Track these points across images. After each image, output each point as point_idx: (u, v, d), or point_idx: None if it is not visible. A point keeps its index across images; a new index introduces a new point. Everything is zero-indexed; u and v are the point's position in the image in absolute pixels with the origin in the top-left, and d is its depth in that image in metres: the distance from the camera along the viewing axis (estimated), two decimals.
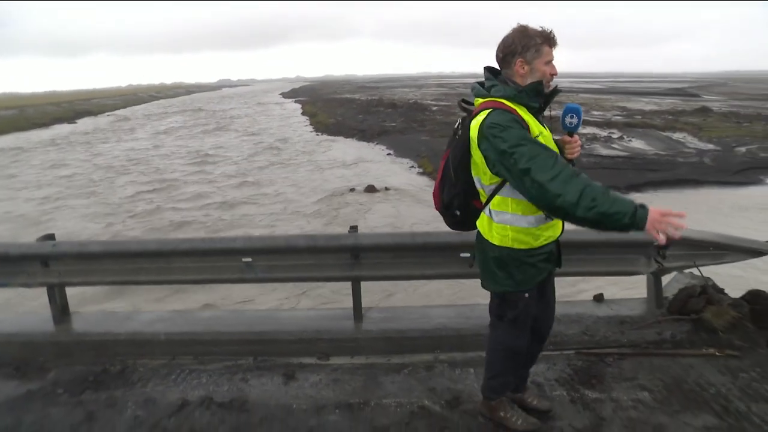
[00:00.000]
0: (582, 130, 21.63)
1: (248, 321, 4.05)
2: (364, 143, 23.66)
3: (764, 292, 5.03)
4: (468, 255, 3.62)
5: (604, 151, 18.10)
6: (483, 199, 2.49)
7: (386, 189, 14.38)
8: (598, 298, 4.08)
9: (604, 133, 22.39)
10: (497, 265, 2.49)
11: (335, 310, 4.35)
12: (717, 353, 3.58)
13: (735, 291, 4.87)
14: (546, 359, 3.49)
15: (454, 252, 3.61)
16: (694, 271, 4.73)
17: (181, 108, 60.84)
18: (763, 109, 34.74)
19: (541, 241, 2.47)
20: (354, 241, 3.66)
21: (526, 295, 2.54)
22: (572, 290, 6.14)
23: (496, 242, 2.45)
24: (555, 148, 2.39)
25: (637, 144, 20.30)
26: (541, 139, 2.31)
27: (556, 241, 2.59)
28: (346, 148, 22.77)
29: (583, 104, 38.18)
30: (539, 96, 2.36)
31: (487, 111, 2.30)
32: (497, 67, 2.44)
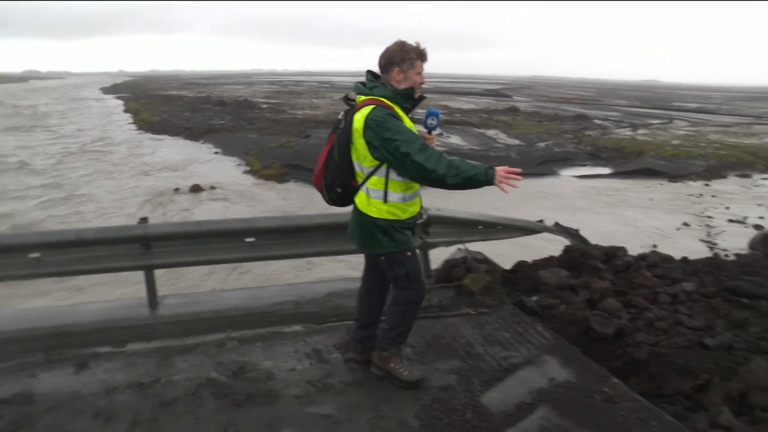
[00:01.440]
0: None
1: (39, 317, 4.00)
2: (191, 142, 22.93)
3: (527, 262, 6.07)
4: (253, 239, 4.01)
5: None
6: (360, 180, 3.00)
7: (212, 188, 14.23)
8: None
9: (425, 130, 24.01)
10: (380, 232, 3.00)
11: (131, 299, 4.44)
12: (472, 312, 4.33)
13: (509, 263, 5.81)
14: (328, 330, 4.00)
15: (239, 238, 3.96)
16: (473, 247, 5.56)
17: None
18: (560, 110, 39.81)
19: (407, 215, 3.05)
20: (143, 231, 3.81)
21: (409, 253, 3.08)
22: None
23: (373, 214, 2.97)
24: None
25: (455, 140, 22.18)
26: None
27: (418, 215, 3.20)
28: (171, 147, 21.87)
29: None
30: (411, 99, 2.97)
31: (371, 106, 2.84)
32: (377, 71, 3.00)
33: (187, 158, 18.95)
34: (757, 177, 18.05)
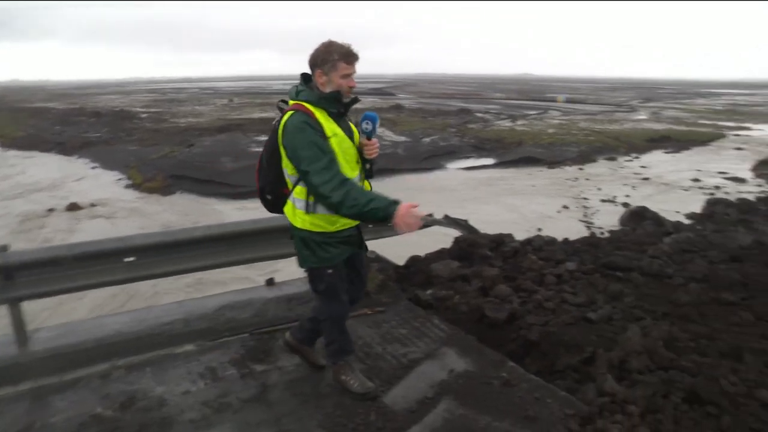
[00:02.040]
0: None
1: None
2: (65, 158, 21.10)
3: (419, 256, 6.17)
4: (133, 258, 3.72)
5: None
6: (289, 188, 2.84)
7: (92, 205, 13.19)
8: (270, 282, 4.54)
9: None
10: (302, 245, 2.86)
11: None
12: (368, 312, 4.31)
13: (401, 259, 5.86)
14: (222, 345, 3.81)
15: (117, 258, 3.66)
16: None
17: None
18: (443, 105, 41.20)
19: (337, 227, 2.84)
20: (2, 261, 3.40)
21: (329, 271, 2.90)
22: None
23: (298, 225, 2.82)
24: (350, 147, 2.76)
25: None
26: (333, 140, 2.67)
27: (357, 227, 2.96)
28: (43, 164, 19.98)
29: None
30: (337, 103, 2.72)
31: (291, 112, 2.67)
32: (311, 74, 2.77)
33: (62, 175, 17.39)
34: (621, 159, 19.65)
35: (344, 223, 2.85)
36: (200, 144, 19.65)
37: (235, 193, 13.66)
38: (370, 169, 2.91)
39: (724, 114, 39.37)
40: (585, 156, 19.53)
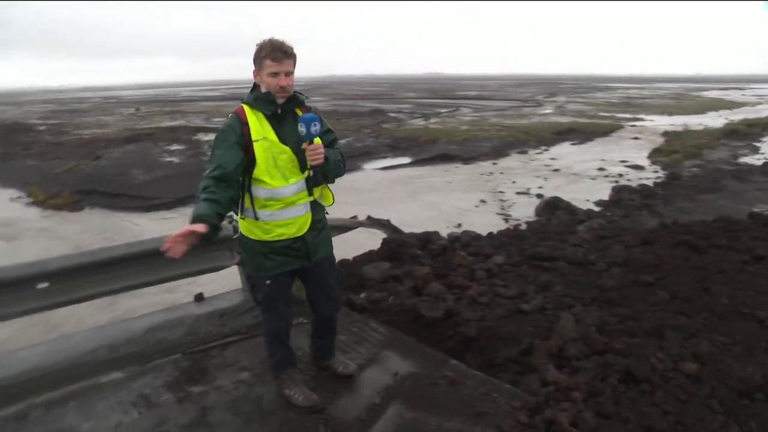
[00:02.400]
0: (205, 137, 21.60)
1: None
2: None
3: (348, 259, 6.10)
4: (47, 284, 3.40)
5: None
6: None
7: None
8: (199, 298, 4.33)
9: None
10: (243, 249, 2.83)
11: None
12: (304, 321, 4.18)
13: None
14: (154, 369, 3.54)
15: (28, 285, 3.32)
16: None
17: None
18: (356, 106, 41.30)
19: (272, 236, 2.69)
20: None
21: (268, 281, 2.76)
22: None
23: (241, 230, 2.78)
24: (282, 152, 2.60)
25: None
26: (259, 144, 2.56)
27: (301, 239, 2.74)
28: None
29: (204, 112, 38.07)
30: (271, 104, 2.59)
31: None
32: None
33: None
34: (532, 152, 20.49)
35: (281, 233, 2.71)
36: (108, 156, 18.51)
37: (149, 205, 13.00)
38: (315, 176, 2.65)
39: (620, 106, 42.04)
40: (498, 151, 20.17)
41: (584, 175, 16.07)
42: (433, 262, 5.60)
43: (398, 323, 4.23)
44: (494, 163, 18.28)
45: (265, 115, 2.62)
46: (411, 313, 4.32)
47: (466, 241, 6.09)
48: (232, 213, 2.81)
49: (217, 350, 3.74)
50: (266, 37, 2.59)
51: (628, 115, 34.07)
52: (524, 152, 20.45)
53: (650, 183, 13.76)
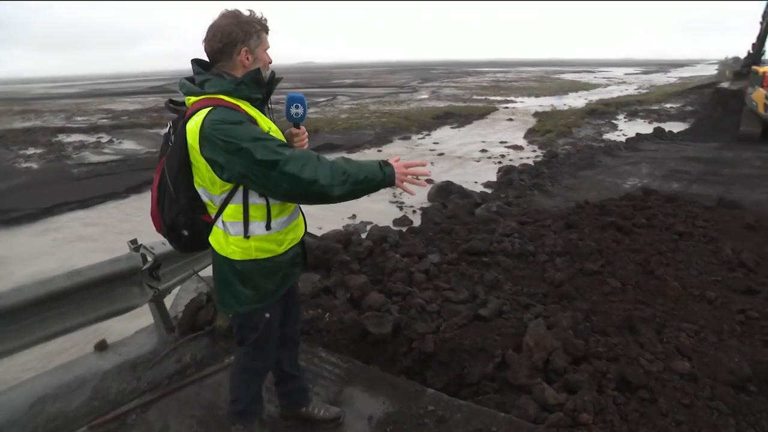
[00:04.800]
0: (67, 138, 19.37)
1: None
2: None
3: None
4: None
5: (96, 158, 16.92)
6: (213, 212, 2.10)
7: None
8: (101, 346, 3.46)
9: (92, 138, 21.06)
10: (241, 282, 2.14)
11: None
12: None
13: None
14: None
15: None
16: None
17: None
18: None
19: (285, 246, 2.19)
20: None
21: (267, 315, 2.24)
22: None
23: (237, 257, 2.10)
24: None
25: (128, 145, 19.91)
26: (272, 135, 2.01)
27: (301, 242, 2.32)
28: None
29: (62, 111, 34.54)
30: (260, 86, 2.09)
31: (207, 110, 1.92)
32: (206, 59, 2.08)
33: None
34: (415, 138, 20.65)
35: (292, 239, 2.23)
36: None
37: (7, 219, 11.14)
38: None
39: (491, 89, 43.95)
40: (381, 138, 20.07)
41: (468, 157, 16.37)
42: (361, 267, 5.10)
43: (343, 345, 3.72)
44: (379, 150, 18.14)
45: (252, 102, 2.09)
46: (355, 331, 3.81)
47: (394, 240, 5.62)
48: (142, 243, 2.14)
49: (137, 413, 2.95)
50: (236, 8, 2.05)
51: (499, 98, 35.64)
52: (407, 138, 20.55)
53: (531, 162, 14.28)
